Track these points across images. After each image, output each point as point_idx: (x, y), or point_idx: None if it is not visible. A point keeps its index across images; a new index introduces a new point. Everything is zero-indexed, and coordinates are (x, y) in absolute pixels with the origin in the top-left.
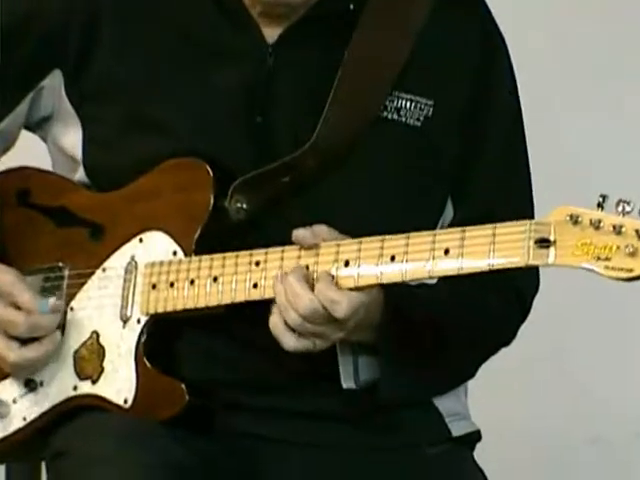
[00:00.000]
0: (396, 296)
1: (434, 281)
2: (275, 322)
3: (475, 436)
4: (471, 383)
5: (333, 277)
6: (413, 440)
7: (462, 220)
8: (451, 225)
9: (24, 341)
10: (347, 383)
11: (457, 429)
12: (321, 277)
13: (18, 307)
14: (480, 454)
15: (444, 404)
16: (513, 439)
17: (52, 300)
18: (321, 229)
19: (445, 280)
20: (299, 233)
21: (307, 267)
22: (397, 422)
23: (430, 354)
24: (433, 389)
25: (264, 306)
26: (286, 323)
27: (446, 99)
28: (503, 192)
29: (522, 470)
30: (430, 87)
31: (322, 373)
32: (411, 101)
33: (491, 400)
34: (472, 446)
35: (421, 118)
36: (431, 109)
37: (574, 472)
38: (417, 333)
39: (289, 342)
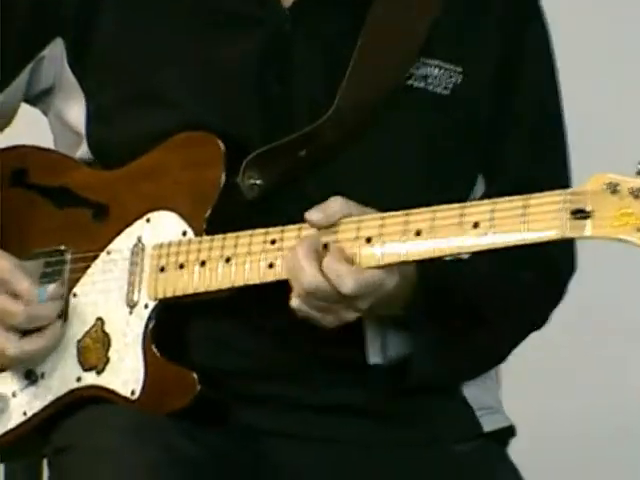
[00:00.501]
0: (427, 270)
1: (466, 257)
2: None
3: (509, 431)
4: (504, 374)
5: (349, 255)
6: (440, 436)
7: (494, 194)
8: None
9: (23, 332)
10: (374, 358)
11: (489, 424)
12: (330, 250)
13: (16, 296)
14: (514, 451)
15: (474, 396)
16: (551, 434)
17: (51, 287)
18: (335, 204)
19: (477, 257)
20: (313, 215)
21: (326, 245)
22: (423, 416)
23: (463, 331)
24: (465, 370)
25: (281, 288)
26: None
27: (476, 65)
28: (538, 163)
29: (561, 469)
30: (458, 53)
31: (344, 361)
32: (439, 68)
33: (526, 392)
34: (505, 442)
35: (449, 86)
36: (460, 76)
37: (614, 471)
38: (450, 309)
39: (294, 303)
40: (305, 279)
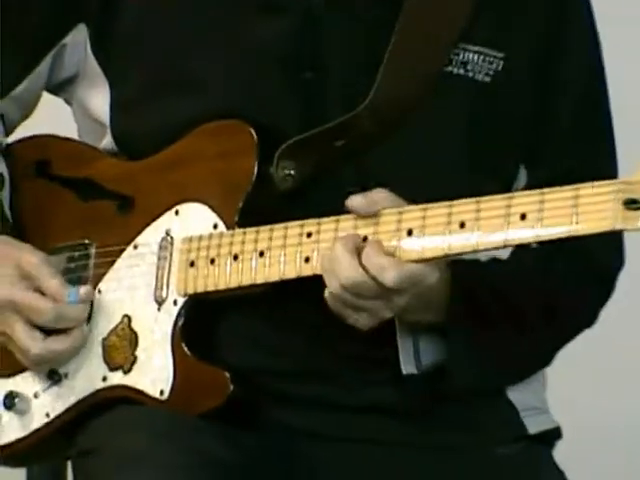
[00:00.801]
0: (465, 271)
1: (506, 256)
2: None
3: (555, 433)
4: (550, 373)
5: (390, 247)
6: (482, 438)
7: (539, 184)
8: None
9: (47, 331)
10: (407, 368)
11: (534, 425)
12: (369, 244)
13: (43, 293)
14: (561, 454)
15: (519, 397)
16: (599, 437)
17: (83, 289)
18: (379, 195)
19: (517, 254)
20: (355, 201)
21: (365, 238)
22: (464, 418)
23: (503, 336)
24: (506, 376)
25: (317, 284)
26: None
27: (518, 50)
28: (583, 152)
29: (610, 474)
30: (500, 38)
31: (381, 360)
32: (479, 54)
33: (573, 392)
34: (551, 445)
35: (490, 73)
36: (501, 62)
37: None
38: (488, 312)
39: (331, 305)
40: (343, 273)
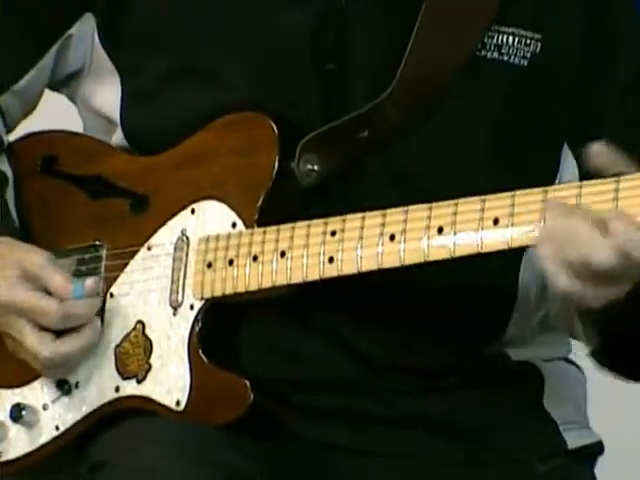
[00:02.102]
0: None
1: None
2: (548, 255)
3: (596, 448)
4: (591, 386)
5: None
6: (520, 454)
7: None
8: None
9: (58, 333)
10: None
11: (574, 440)
12: (617, 215)
13: (49, 293)
14: (602, 470)
15: (558, 410)
16: None
17: (88, 281)
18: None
19: None
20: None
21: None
22: (501, 432)
23: None
24: None
25: (343, 286)
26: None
27: (556, 31)
28: (633, 135)
29: None
30: (536, 17)
31: (411, 370)
32: (514, 36)
33: (615, 406)
34: (592, 461)
35: (527, 55)
36: (539, 44)
37: None
38: None
39: (562, 281)
40: (597, 256)
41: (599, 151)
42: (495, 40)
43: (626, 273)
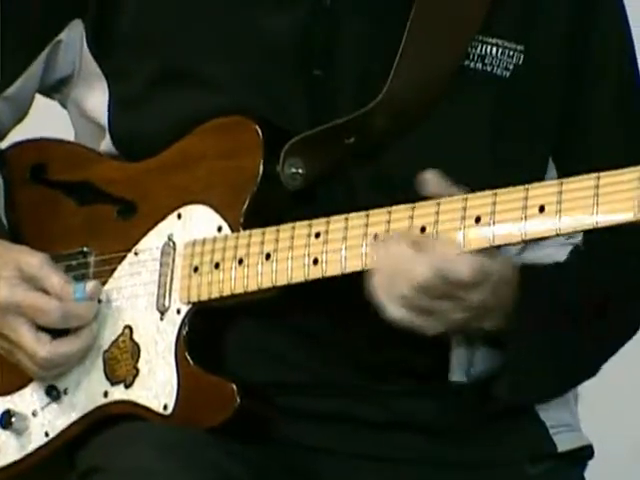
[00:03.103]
0: (530, 277)
1: (563, 257)
2: (378, 286)
3: (586, 452)
4: (582, 389)
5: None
6: (510, 456)
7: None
8: None
9: (54, 334)
10: (456, 376)
11: (564, 443)
12: (440, 238)
13: (48, 293)
14: (592, 473)
15: (549, 413)
16: (632, 455)
17: (90, 284)
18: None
19: (574, 255)
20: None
21: (376, 236)
22: (491, 435)
23: (560, 343)
24: (560, 386)
25: (328, 288)
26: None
27: (539, 43)
28: (615, 147)
29: None
30: (519, 29)
31: (407, 372)
32: (497, 47)
33: (606, 409)
34: (582, 464)
35: (510, 67)
36: (522, 55)
37: None
38: (550, 318)
39: (394, 312)
40: (415, 272)
41: (430, 179)
42: (479, 50)
43: (450, 294)
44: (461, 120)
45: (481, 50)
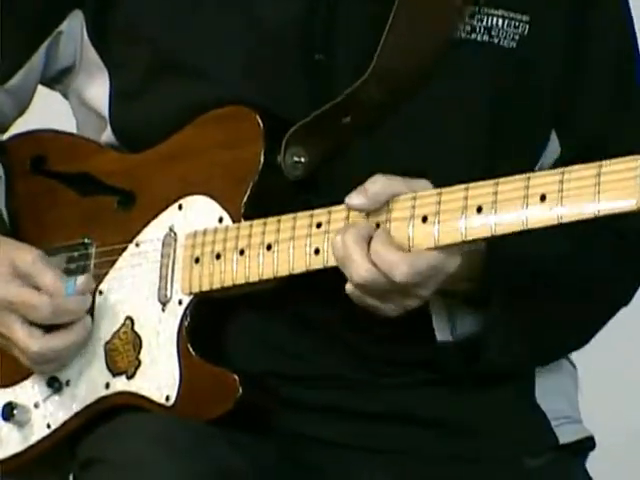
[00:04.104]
0: (499, 249)
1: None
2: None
3: (588, 444)
4: (584, 381)
5: (400, 237)
6: (511, 449)
7: (569, 158)
8: (555, 165)
9: (48, 329)
10: (442, 335)
11: (566, 435)
12: (376, 236)
13: (40, 289)
14: (593, 465)
15: (550, 404)
16: (635, 448)
17: (80, 279)
18: (376, 185)
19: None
20: (353, 200)
21: (378, 225)
22: (491, 427)
23: (539, 310)
24: (542, 351)
25: (332, 279)
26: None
27: (544, 12)
28: (617, 118)
29: None
30: (523, 0)
31: (406, 364)
32: (504, 18)
33: (608, 400)
34: (584, 456)
35: (516, 37)
36: (527, 26)
37: None
38: (525, 285)
39: (348, 289)
40: (355, 271)
41: (376, 180)
42: (484, 23)
43: (393, 290)
44: (466, 94)
45: (487, 22)
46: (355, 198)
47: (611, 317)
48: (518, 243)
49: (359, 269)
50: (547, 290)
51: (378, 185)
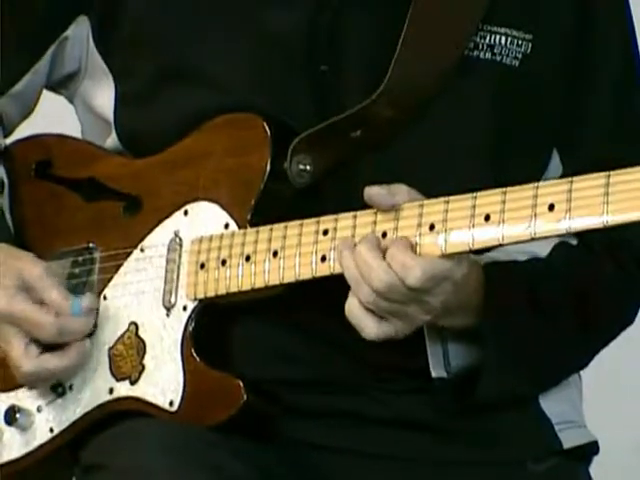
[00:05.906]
0: (500, 273)
1: (545, 254)
2: (351, 305)
3: (591, 448)
4: (587, 385)
5: (413, 243)
6: (514, 454)
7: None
8: None
9: (46, 347)
10: (437, 371)
11: (569, 440)
12: (395, 242)
13: (45, 306)
14: (597, 470)
15: (554, 409)
16: (638, 452)
17: (86, 299)
18: (400, 189)
19: (556, 250)
20: (373, 190)
21: (384, 234)
22: (494, 432)
23: (537, 340)
24: (539, 382)
25: (337, 287)
26: (362, 303)
27: (546, 31)
28: (619, 138)
29: None
30: (527, 18)
31: (408, 371)
32: (506, 36)
33: (611, 405)
34: (588, 461)
35: (519, 56)
36: (530, 44)
37: None
38: (522, 314)
39: (369, 328)
40: (376, 276)
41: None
42: (487, 40)
43: (410, 298)
44: (470, 111)
45: (490, 40)
46: (374, 189)
47: (614, 338)
48: (524, 269)
49: (379, 272)
50: (545, 324)
51: (400, 189)
